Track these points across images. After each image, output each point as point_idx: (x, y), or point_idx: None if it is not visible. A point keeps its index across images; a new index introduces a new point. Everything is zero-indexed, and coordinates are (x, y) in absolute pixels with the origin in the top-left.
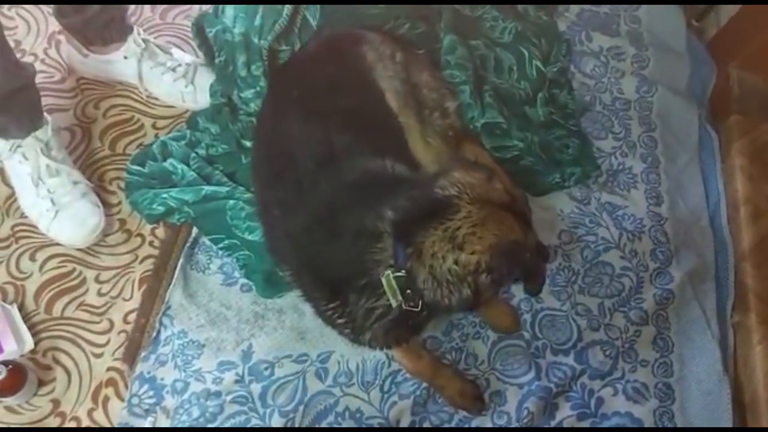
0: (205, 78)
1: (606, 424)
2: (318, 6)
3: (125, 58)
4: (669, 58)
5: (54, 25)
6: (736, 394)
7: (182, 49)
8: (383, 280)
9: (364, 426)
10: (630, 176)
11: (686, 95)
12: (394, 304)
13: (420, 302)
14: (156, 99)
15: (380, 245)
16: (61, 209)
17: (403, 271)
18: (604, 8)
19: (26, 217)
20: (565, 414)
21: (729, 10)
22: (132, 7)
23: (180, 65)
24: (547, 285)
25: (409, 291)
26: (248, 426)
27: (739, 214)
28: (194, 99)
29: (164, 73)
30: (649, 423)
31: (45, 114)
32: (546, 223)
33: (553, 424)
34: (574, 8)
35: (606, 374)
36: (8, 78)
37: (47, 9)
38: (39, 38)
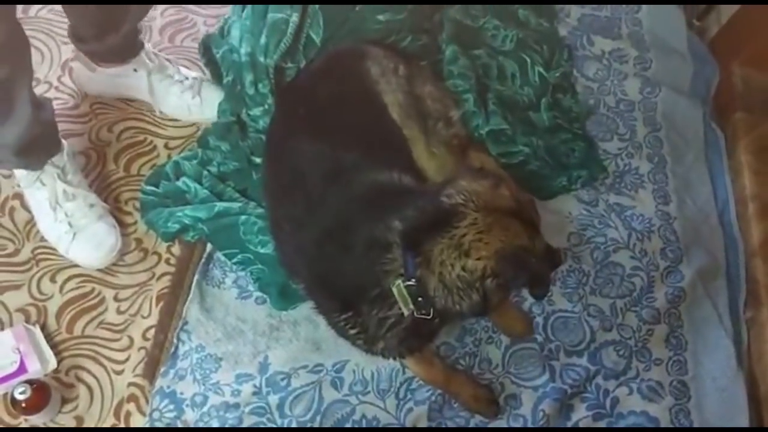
0: (211, 91)
1: (622, 424)
2: (321, 23)
3: (135, 71)
4: (671, 58)
5: (67, 53)
6: (752, 389)
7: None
8: (394, 290)
9: None
10: (637, 176)
11: (690, 95)
12: (405, 312)
13: (431, 310)
14: (167, 119)
15: (390, 255)
16: (78, 232)
17: (413, 280)
18: (605, 12)
19: (46, 240)
20: (580, 415)
21: (729, 9)
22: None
23: (187, 78)
24: (558, 287)
25: (420, 299)
26: None
27: (747, 211)
28: (201, 111)
29: (172, 85)
30: (665, 421)
31: (61, 140)
32: (555, 226)
33: (569, 425)
34: (575, 13)
35: (620, 374)
36: (36, 124)
37: (61, 38)
38: (53, 67)
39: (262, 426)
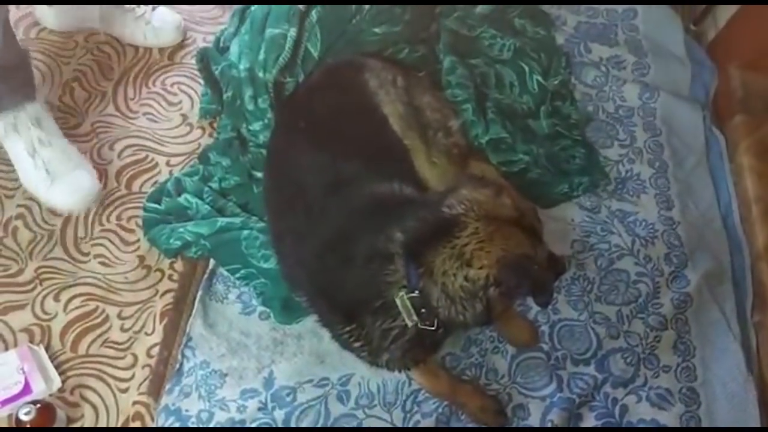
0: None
1: None
2: (319, 37)
3: None
4: (669, 63)
5: (67, 73)
6: (762, 394)
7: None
8: (397, 301)
9: None
10: (638, 182)
11: (689, 99)
12: (409, 324)
13: (435, 320)
14: (169, 136)
15: (392, 267)
16: (56, 178)
17: (417, 291)
18: (601, 19)
19: (49, 259)
20: (589, 424)
21: (726, 12)
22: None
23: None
24: (563, 295)
25: (423, 310)
26: None
27: (751, 214)
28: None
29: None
30: None
31: (35, 90)
32: (558, 234)
33: None
34: (571, 21)
35: (628, 382)
36: (9, 52)
37: (61, 58)
38: (54, 86)
39: None
